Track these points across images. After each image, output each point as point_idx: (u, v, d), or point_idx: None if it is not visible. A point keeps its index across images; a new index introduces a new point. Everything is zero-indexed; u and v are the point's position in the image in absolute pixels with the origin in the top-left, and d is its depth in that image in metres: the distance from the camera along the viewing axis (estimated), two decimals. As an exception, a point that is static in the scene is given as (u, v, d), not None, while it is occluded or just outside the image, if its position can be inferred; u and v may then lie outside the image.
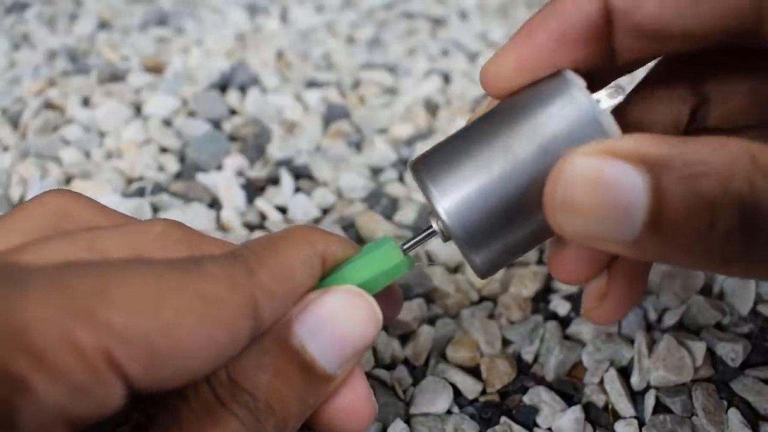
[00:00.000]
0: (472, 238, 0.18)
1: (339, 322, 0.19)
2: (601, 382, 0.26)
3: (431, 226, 0.20)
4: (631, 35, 0.19)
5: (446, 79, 0.44)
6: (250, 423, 0.18)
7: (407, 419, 0.25)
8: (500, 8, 0.51)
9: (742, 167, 0.14)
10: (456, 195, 0.18)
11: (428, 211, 0.21)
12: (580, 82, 0.18)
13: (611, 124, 0.18)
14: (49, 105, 0.40)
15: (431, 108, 0.41)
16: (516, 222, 0.18)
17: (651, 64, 0.22)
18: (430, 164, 0.19)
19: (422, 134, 0.39)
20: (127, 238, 0.18)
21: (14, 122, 0.39)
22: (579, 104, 0.18)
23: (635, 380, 0.26)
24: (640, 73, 0.23)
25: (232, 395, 0.18)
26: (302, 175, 0.36)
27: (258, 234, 0.33)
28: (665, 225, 0.15)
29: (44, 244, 0.17)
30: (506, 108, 0.19)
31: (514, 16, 0.50)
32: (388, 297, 0.21)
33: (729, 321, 0.28)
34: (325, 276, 0.20)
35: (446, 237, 0.19)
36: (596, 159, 0.15)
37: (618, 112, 0.23)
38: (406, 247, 0.20)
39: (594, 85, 0.19)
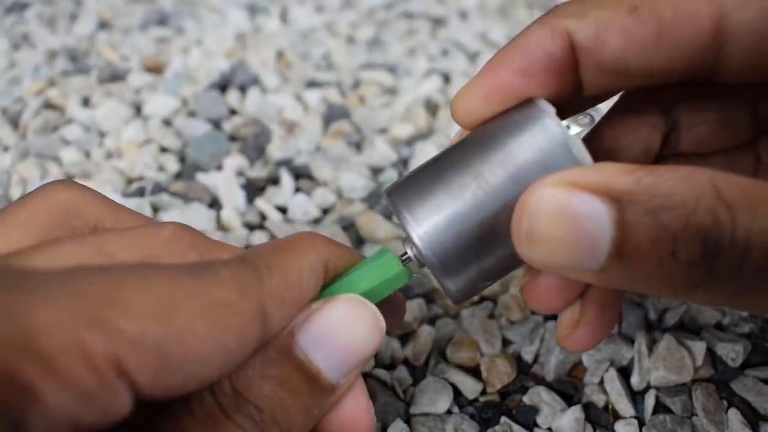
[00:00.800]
0: (446, 265, 0.19)
1: (343, 331, 0.19)
2: (601, 382, 0.26)
3: (406, 253, 0.20)
4: (596, 71, 0.19)
5: (446, 79, 0.44)
6: None
7: (407, 419, 0.25)
8: (500, 8, 0.51)
9: (705, 199, 0.15)
10: (429, 223, 0.18)
11: (403, 239, 0.21)
12: (550, 110, 0.18)
13: (582, 152, 0.18)
14: (49, 105, 0.40)
15: (431, 108, 0.41)
16: (489, 249, 0.18)
17: (621, 93, 0.23)
18: (405, 192, 0.19)
19: (422, 134, 0.39)
20: (137, 242, 0.18)
21: (14, 122, 0.39)
22: (550, 132, 0.18)
23: (635, 380, 0.26)
24: (614, 99, 0.23)
25: (236, 406, 0.18)
26: (302, 175, 0.36)
27: (258, 234, 0.33)
28: (629, 255, 0.15)
29: (54, 248, 0.17)
30: (479, 136, 0.19)
31: (515, 16, 0.50)
32: (391, 306, 0.22)
33: (729, 321, 0.28)
34: (327, 285, 0.20)
35: (420, 264, 0.20)
36: (562, 191, 0.16)
37: (590, 138, 0.23)
38: (402, 259, 0.20)
39: (564, 115, 0.19)
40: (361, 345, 0.19)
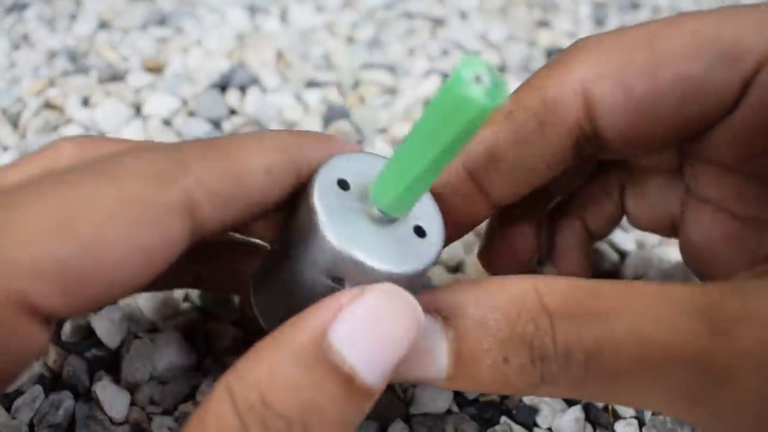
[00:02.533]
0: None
1: (379, 324, 0.16)
2: (602, 382, 0.26)
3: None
4: (498, 184, 0.21)
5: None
6: None
7: (407, 419, 0.25)
8: (500, 8, 0.51)
9: (528, 308, 0.16)
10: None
11: None
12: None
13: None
14: (48, 105, 0.40)
15: (431, 108, 0.41)
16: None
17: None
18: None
19: (422, 134, 0.39)
20: (34, 170, 0.16)
21: (14, 122, 0.39)
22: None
23: (635, 380, 0.26)
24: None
25: (261, 421, 0.15)
26: (302, 175, 0.36)
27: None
28: (467, 364, 0.17)
29: None
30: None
31: (515, 16, 0.50)
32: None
33: (729, 321, 0.28)
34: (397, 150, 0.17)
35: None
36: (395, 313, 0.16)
37: (560, 210, 0.26)
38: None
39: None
40: (399, 339, 0.16)
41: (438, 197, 0.20)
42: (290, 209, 0.19)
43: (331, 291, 0.17)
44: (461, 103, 0.14)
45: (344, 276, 0.17)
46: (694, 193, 0.23)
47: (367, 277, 0.17)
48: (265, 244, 0.24)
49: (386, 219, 0.18)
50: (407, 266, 0.18)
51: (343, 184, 0.18)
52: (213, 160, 0.16)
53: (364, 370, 0.16)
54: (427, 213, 0.19)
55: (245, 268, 0.23)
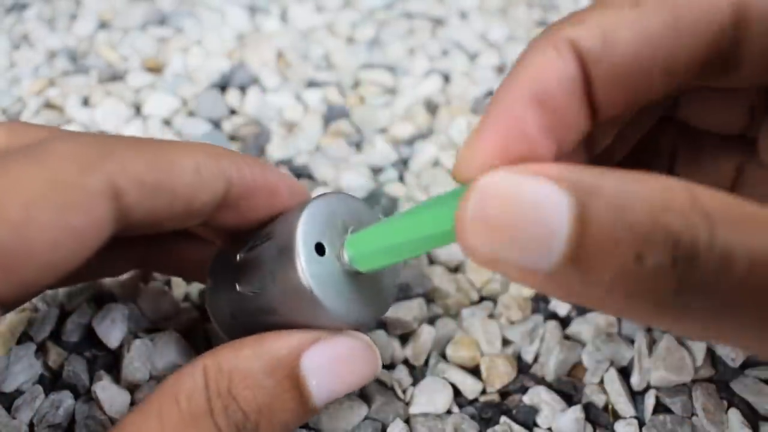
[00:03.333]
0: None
1: (344, 366, 0.19)
2: (601, 382, 0.26)
3: None
4: (610, 82, 0.17)
5: (446, 78, 0.44)
6: None
7: (407, 419, 0.25)
8: (501, 8, 0.51)
9: (679, 202, 0.13)
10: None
11: None
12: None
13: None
14: (48, 105, 0.40)
15: (431, 108, 0.41)
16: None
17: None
18: None
19: (422, 134, 0.39)
20: None
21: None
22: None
23: (635, 380, 0.26)
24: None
25: (224, 408, 0.18)
26: (302, 175, 0.36)
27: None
28: (588, 256, 0.13)
29: None
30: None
31: (515, 15, 0.50)
32: None
33: (729, 321, 0.28)
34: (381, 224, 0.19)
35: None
36: (518, 176, 0.14)
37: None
38: None
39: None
40: (353, 382, 0.20)
41: (539, 97, 0.17)
42: (254, 238, 0.21)
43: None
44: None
45: (328, 326, 0.20)
46: (759, 159, 0.20)
47: (345, 327, 0.20)
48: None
49: (355, 271, 0.20)
50: (379, 311, 0.21)
51: (319, 249, 0.20)
52: (140, 151, 0.17)
53: (318, 395, 0.19)
54: None
55: (193, 256, 0.25)
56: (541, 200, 0.13)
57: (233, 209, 0.20)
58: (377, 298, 0.21)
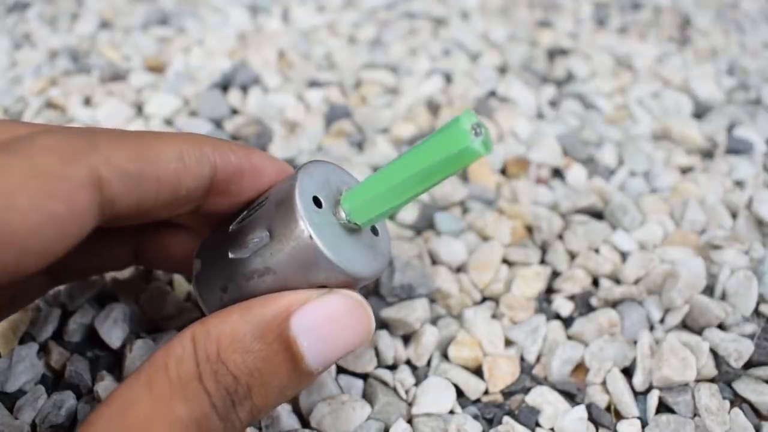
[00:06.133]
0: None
1: (335, 326, 0.19)
2: (604, 383, 0.26)
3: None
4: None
5: (448, 78, 0.44)
6: (223, 407, 0.18)
7: (410, 419, 0.25)
8: (502, 8, 0.51)
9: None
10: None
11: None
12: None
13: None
14: (50, 104, 0.40)
15: (433, 108, 0.41)
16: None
17: None
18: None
19: (424, 134, 0.39)
20: None
21: (16, 122, 0.39)
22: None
23: (638, 380, 0.26)
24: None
25: (213, 372, 0.18)
26: (304, 175, 0.36)
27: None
28: None
29: None
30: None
31: (516, 16, 0.50)
32: None
33: (732, 321, 0.28)
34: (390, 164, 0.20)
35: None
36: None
37: None
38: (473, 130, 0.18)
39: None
40: (347, 342, 0.19)
41: None
42: (247, 210, 0.21)
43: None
44: (463, 150, 0.17)
45: (323, 281, 0.20)
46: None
47: (343, 280, 0.20)
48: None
49: (355, 227, 0.20)
50: (376, 268, 0.21)
51: (317, 202, 0.20)
52: (123, 142, 0.17)
53: (311, 357, 0.19)
54: None
55: (188, 249, 0.25)
56: None
57: (222, 194, 0.20)
58: (373, 257, 0.21)
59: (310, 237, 0.19)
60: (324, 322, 0.19)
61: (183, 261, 0.26)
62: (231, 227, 0.21)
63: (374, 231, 0.22)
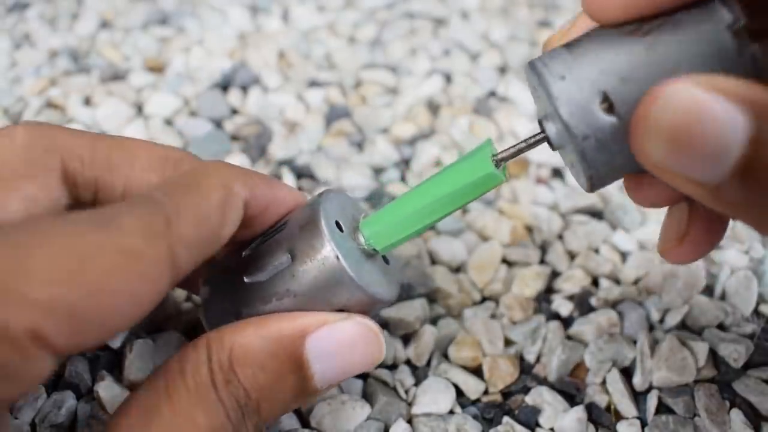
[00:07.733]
0: (599, 140, 0.17)
1: (349, 353, 0.20)
2: (604, 383, 0.26)
3: (542, 131, 0.19)
4: None
5: (448, 79, 0.44)
6: (235, 418, 0.18)
7: (409, 419, 0.25)
8: (502, 8, 0.51)
9: None
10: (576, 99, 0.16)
11: (540, 117, 0.19)
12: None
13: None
14: (50, 104, 0.40)
15: (433, 108, 0.41)
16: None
17: None
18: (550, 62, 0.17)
19: (424, 134, 0.39)
20: None
21: (15, 122, 0.39)
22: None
23: (638, 381, 0.26)
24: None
25: (226, 382, 0.18)
26: (304, 175, 0.36)
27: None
28: (755, 176, 0.14)
29: None
30: None
31: (516, 16, 0.50)
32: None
33: (731, 321, 0.28)
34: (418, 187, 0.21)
35: (558, 144, 0.18)
36: (702, 91, 0.14)
37: None
38: (502, 156, 0.19)
39: None
40: (357, 368, 0.20)
41: None
42: (263, 237, 0.21)
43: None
44: (487, 176, 0.19)
45: (344, 303, 0.20)
46: None
47: (364, 302, 0.20)
48: None
49: (372, 253, 0.21)
50: (392, 293, 0.21)
51: (338, 226, 0.20)
52: (188, 212, 0.17)
53: (320, 379, 0.19)
54: None
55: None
56: (720, 118, 0.14)
57: (245, 227, 0.21)
58: (388, 281, 0.22)
59: (337, 257, 0.19)
60: (339, 347, 0.19)
61: (190, 279, 0.25)
62: (244, 252, 0.21)
63: (385, 260, 0.22)
